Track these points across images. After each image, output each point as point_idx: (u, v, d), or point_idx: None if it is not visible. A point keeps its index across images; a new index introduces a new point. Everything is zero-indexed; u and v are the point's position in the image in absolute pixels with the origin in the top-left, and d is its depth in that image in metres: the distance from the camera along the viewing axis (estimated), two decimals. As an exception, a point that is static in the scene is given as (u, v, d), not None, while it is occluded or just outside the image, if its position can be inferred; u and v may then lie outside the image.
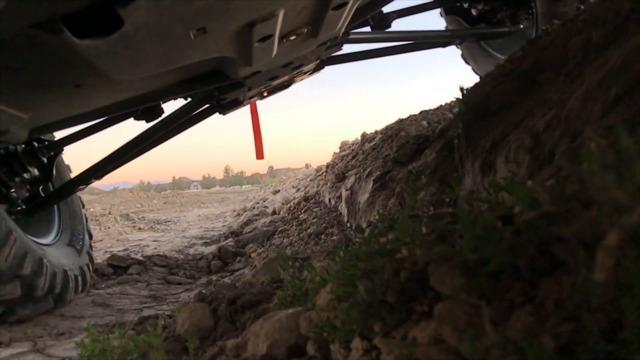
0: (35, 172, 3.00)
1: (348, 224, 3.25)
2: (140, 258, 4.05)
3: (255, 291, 1.89)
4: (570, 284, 0.48)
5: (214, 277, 3.49)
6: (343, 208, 3.49)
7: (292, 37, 1.52)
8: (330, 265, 1.30)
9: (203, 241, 5.18)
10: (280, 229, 4.25)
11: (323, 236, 3.33)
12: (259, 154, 3.89)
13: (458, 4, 3.70)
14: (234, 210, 8.91)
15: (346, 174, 3.99)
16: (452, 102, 4.41)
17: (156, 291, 3.31)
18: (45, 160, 3.01)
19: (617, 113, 0.78)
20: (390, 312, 0.70)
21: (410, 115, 4.56)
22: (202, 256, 4.18)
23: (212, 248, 4.43)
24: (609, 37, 1.07)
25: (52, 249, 2.97)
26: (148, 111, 2.47)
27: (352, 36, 2.43)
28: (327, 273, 1.03)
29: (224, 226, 6.45)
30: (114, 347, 1.16)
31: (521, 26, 3.37)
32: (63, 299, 2.83)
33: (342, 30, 1.79)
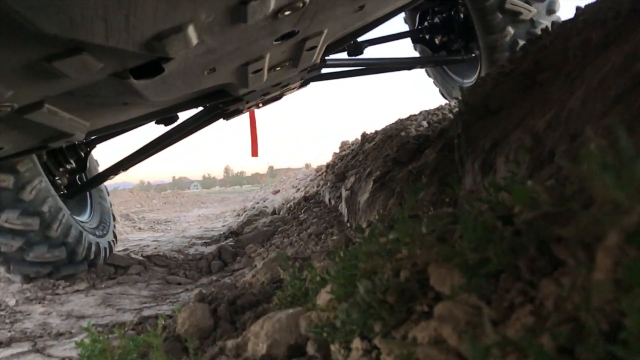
0: (73, 164, 3.80)
1: (348, 224, 3.24)
2: (140, 258, 4.04)
3: (255, 291, 1.89)
4: (570, 284, 0.48)
5: (214, 277, 3.48)
6: (343, 208, 3.49)
7: (278, 68, 2.05)
8: (330, 265, 1.30)
9: (203, 241, 5.17)
10: (280, 229, 4.25)
11: (323, 236, 3.33)
12: (254, 152, 4.56)
13: (421, 36, 4.48)
14: (234, 210, 8.90)
15: (346, 174, 3.98)
16: (452, 102, 4.41)
17: (156, 291, 3.31)
18: (82, 154, 3.82)
19: (617, 113, 0.78)
20: (390, 312, 0.70)
21: (410, 115, 4.55)
22: (202, 256, 4.18)
23: (212, 248, 4.42)
24: (609, 37, 1.07)
25: (87, 225, 3.81)
26: (167, 117, 3.11)
27: (328, 62, 3.11)
28: (327, 273, 1.02)
29: (224, 226, 6.43)
30: (114, 347, 1.16)
31: (473, 55, 4.05)
32: (95, 264, 3.66)
33: (318, 60, 2.34)
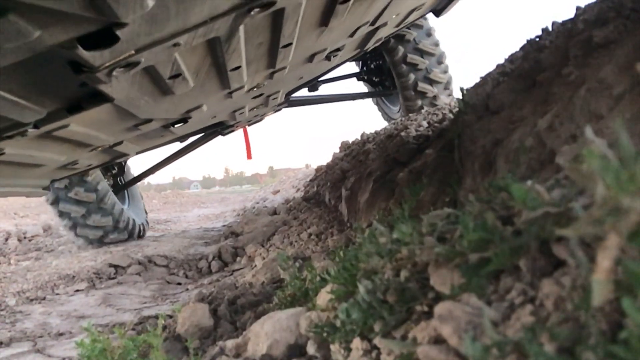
0: (116, 169, 5.75)
1: (348, 224, 3.24)
2: (140, 258, 4.04)
3: (255, 291, 1.89)
4: (570, 284, 0.48)
5: (214, 277, 3.48)
6: (343, 208, 3.48)
7: (255, 109, 3.37)
8: (330, 265, 1.30)
9: (203, 241, 5.17)
10: (280, 229, 4.24)
11: (323, 236, 3.33)
12: (249, 155, 6.01)
13: (362, 76, 6.58)
14: (234, 210, 8.90)
15: (346, 174, 3.98)
16: (452, 102, 4.41)
17: (156, 291, 3.31)
18: (122, 163, 5.60)
19: (618, 112, 0.78)
20: (390, 312, 0.70)
21: (410, 115, 4.55)
22: (202, 256, 4.17)
23: (212, 248, 4.41)
24: (609, 37, 1.07)
25: (127, 209, 5.65)
26: (183, 139, 4.32)
27: (292, 98, 4.69)
28: (327, 273, 1.02)
29: (224, 226, 6.42)
30: (114, 347, 1.16)
31: (397, 90, 5.69)
32: (132, 235, 5.45)
33: (283, 100, 3.73)
